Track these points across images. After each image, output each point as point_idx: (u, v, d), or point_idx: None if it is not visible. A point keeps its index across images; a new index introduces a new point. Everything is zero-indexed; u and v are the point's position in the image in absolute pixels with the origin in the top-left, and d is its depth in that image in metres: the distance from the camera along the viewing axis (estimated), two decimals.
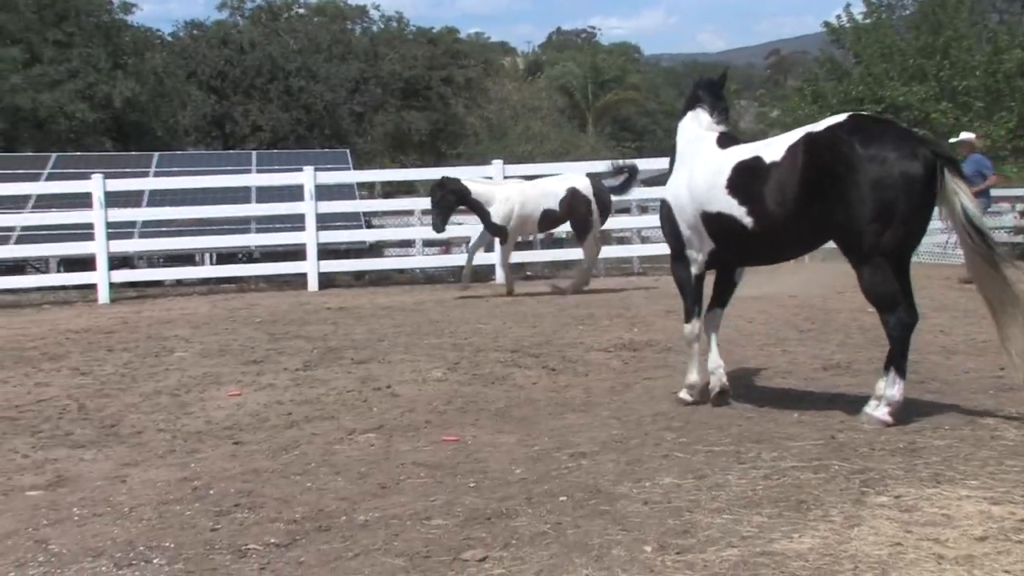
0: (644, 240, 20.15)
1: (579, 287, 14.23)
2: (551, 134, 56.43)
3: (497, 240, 14.61)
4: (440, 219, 13.73)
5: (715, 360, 6.83)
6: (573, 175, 14.64)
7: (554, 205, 13.89)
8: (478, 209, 13.88)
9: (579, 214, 13.95)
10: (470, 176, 14.38)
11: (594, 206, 13.94)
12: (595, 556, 4.05)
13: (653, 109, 74.88)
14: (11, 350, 10.31)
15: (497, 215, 13.70)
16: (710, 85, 7.05)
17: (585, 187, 13.97)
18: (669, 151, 7.22)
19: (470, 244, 14.66)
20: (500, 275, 15.26)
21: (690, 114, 6.96)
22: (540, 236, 25.47)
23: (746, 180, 6.23)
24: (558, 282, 15.13)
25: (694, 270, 6.78)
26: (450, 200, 13.72)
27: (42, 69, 32.75)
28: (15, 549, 4.57)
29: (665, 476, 5.12)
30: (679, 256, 6.85)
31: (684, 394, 6.92)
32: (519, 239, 15.21)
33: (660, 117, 74.10)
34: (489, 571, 3.99)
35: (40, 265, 22.14)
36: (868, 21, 33.75)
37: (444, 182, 13.73)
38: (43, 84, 32.29)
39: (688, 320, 6.90)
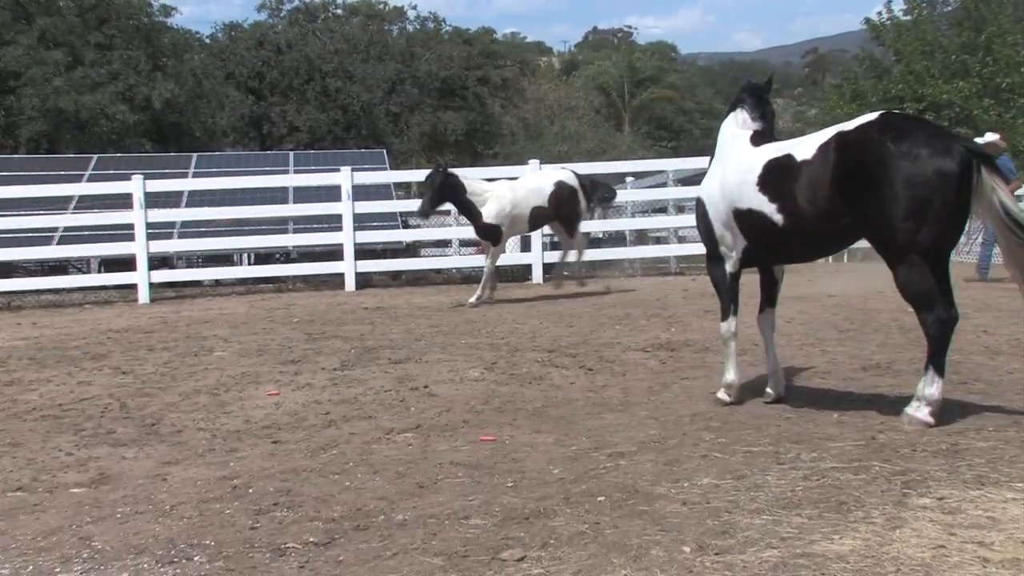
0: (681, 240, 20.04)
1: (582, 277, 14.40)
2: (587, 134, 56.43)
3: (489, 244, 13.61)
4: (429, 204, 13.08)
5: (773, 364, 6.83)
6: (557, 170, 14.40)
7: (543, 202, 13.44)
8: (470, 209, 13.25)
9: (568, 208, 13.60)
10: (472, 176, 14.03)
11: (581, 197, 13.66)
12: (633, 556, 4.03)
13: (690, 108, 74.66)
14: (54, 349, 10.43)
15: (490, 215, 13.15)
16: (755, 88, 7.04)
17: (570, 179, 13.69)
18: (709, 150, 7.22)
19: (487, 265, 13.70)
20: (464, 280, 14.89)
21: (731, 115, 6.95)
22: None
23: (777, 178, 6.21)
24: (557, 276, 14.67)
25: (729, 268, 6.76)
26: (444, 190, 13.06)
27: (84, 72, 33.12)
28: (60, 545, 4.62)
29: (703, 476, 5.09)
30: (714, 254, 6.84)
31: (722, 394, 6.89)
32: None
33: (696, 116, 73.93)
34: (527, 571, 3.98)
35: (82, 265, 22.42)
36: (909, 18, 33.41)
37: (444, 171, 13.24)
38: (85, 86, 32.65)
39: (724, 318, 6.88)
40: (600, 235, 24.80)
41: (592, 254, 20.85)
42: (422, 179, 13.95)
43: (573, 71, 77.12)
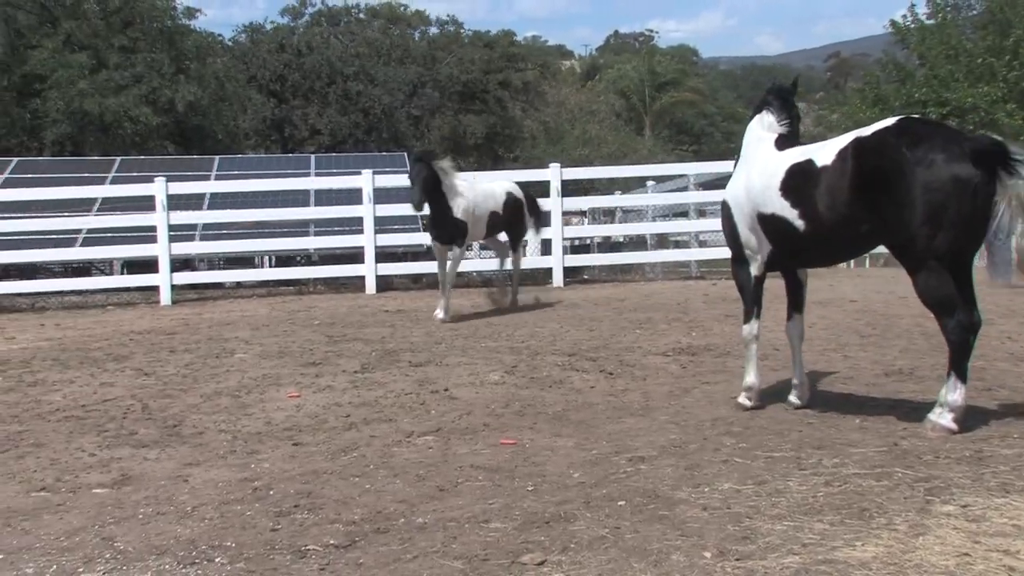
0: (702, 244, 19.99)
1: (516, 298, 13.27)
2: (608, 137, 56.42)
3: (449, 249, 12.28)
4: (420, 197, 11.66)
5: (800, 372, 6.81)
6: (505, 181, 13.79)
7: (499, 208, 12.71)
8: (442, 201, 11.90)
9: (516, 219, 13.06)
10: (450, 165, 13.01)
11: (526, 211, 13.17)
12: (654, 561, 4.02)
13: (711, 112, 74.56)
14: (77, 350, 10.50)
15: (459, 209, 12.01)
16: (780, 91, 7.02)
17: (518, 192, 13.16)
18: (733, 154, 7.21)
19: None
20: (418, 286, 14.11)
21: (756, 117, 6.94)
22: (598, 239, 25.54)
23: (798, 183, 6.21)
24: (496, 292, 13.94)
25: (754, 271, 6.75)
26: (430, 180, 11.69)
27: (108, 74, 33.35)
28: (83, 546, 4.65)
29: (724, 482, 5.07)
30: (739, 257, 6.84)
31: (743, 398, 6.87)
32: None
33: (718, 120, 73.81)
34: (548, 575, 3.98)
35: (104, 267, 22.55)
36: (933, 21, 33.22)
37: (426, 158, 11.96)
38: (109, 89, 32.88)
39: (747, 321, 6.87)
40: (621, 239, 24.83)
41: (613, 258, 20.89)
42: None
43: (594, 76, 77.05)
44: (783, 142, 6.66)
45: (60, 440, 6.77)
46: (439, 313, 11.97)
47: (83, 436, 6.85)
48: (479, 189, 12.68)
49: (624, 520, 4.56)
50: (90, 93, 32.25)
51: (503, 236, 13.38)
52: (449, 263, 12.26)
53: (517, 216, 13.03)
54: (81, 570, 4.34)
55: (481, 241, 13.04)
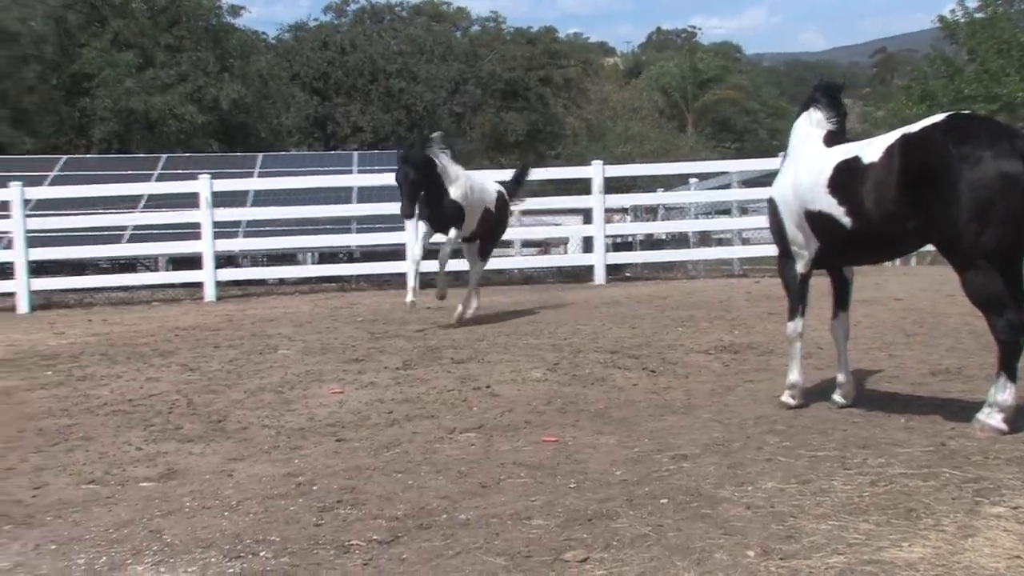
0: (745, 242, 19.88)
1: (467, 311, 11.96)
2: (650, 134, 56.21)
3: (448, 234, 11.39)
4: (409, 206, 10.79)
5: (846, 371, 6.76)
6: (492, 181, 12.82)
7: (492, 205, 11.91)
8: (437, 183, 11.00)
9: (500, 224, 12.37)
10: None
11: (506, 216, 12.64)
12: (696, 560, 4.01)
13: (754, 109, 73.98)
14: (124, 346, 10.63)
15: (457, 194, 11.15)
16: (828, 87, 6.96)
17: (505, 195, 12.34)
18: (777, 151, 7.17)
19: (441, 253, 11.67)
20: (408, 276, 12.06)
21: (804, 114, 6.88)
22: (640, 236, 25.45)
23: (845, 180, 6.16)
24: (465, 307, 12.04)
25: (800, 268, 6.70)
26: (418, 181, 10.75)
27: (154, 73, 33.74)
28: (131, 538, 4.70)
29: (768, 480, 5.04)
30: (785, 254, 6.79)
31: (786, 397, 6.82)
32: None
33: (761, 116, 73.28)
34: (590, 572, 3.97)
35: (150, 263, 22.82)
36: (984, 15, 32.77)
37: (412, 156, 10.81)
38: (155, 87, 33.26)
39: (792, 318, 6.82)
40: (663, 236, 24.75)
41: (655, 255, 20.83)
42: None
43: (638, 73, 76.78)
44: (831, 139, 6.60)
45: (108, 434, 6.86)
46: (409, 297, 11.27)
47: (130, 430, 6.94)
48: (475, 179, 11.95)
49: (667, 518, 4.54)
50: (136, 91, 32.66)
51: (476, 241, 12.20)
52: (444, 248, 11.49)
53: (501, 219, 12.38)
54: (130, 562, 4.40)
55: (458, 244, 11.76)
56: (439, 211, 11.12)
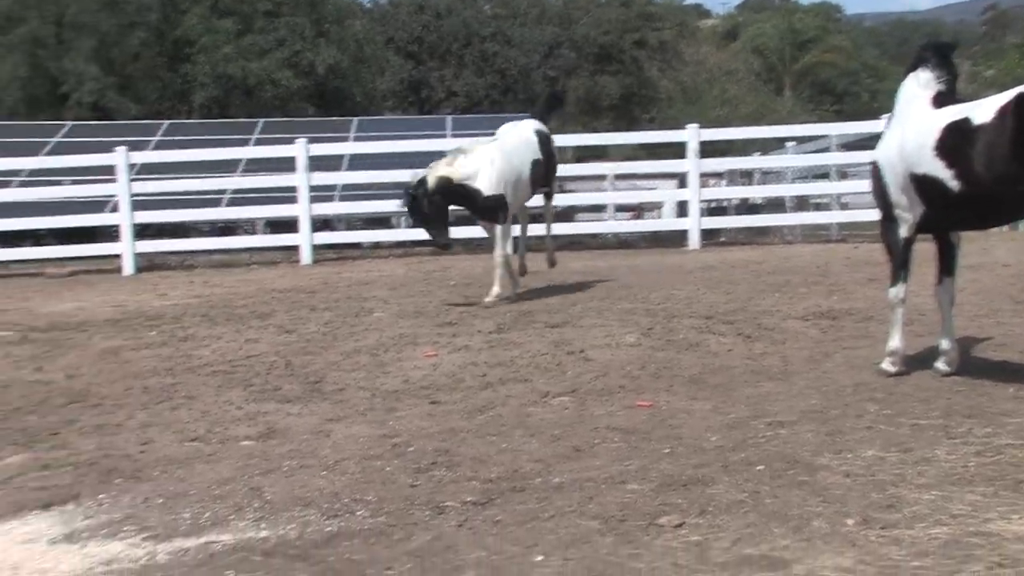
0: (843, 206, 19.46)
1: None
2: (746, 98, 55.28)
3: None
4: (438, 231, 10.37)
5: (949, 338, 6.58)
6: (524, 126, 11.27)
7: (538, 155, 10.79)
8: (463, 195, 10.33)
9: (550, 162, 11.15)
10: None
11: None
12: (794, 527, 3.96)
13: (855, 70, 72.04)
14: (224, 307, 10.87)
15: (488, 183, 10.25)
16: (938, 47, 6.73)
17: (542, 131, 11.12)
18: (878, 114, 6.98)
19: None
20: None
21: (912, 75, 6.66)
22: (735, 201, 25.15)
23: (954, 142, 5.96)
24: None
25: (903, 233, 6.52)
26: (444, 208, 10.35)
27: (252, 39, 34.20)
28: (232, 495, 4.83)
29: (867, 448, 4.96)
30: (889, 218, 6.61)
31: (886, 364, 6.67)
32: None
33: (863, 78, 71.38)
34: (686, 537, 3.96)
35: (248, 227, 23.24)
36: None
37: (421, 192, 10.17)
38: (253, 53, 33.73)
39: (893, 284, 6.65)
40: (759, 201, 24.36)
41: (750, 220, 20.52)
42: (574, 145, 10.97)
43: (734, 36, 75.37)
44: (940, 100, 6.37)
45: (210, 393, 7.03)
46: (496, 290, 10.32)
47: (231, 390, 7.10)
48: (507, 145, 10.63)
49: (763, 485, 4.50)
50: (234, 57, 33.16)
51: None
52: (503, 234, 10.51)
53: (550, 158, 11.15)
54: (232, 518, 4.51)
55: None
56: (481, 212, 10.43)
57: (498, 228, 10.44)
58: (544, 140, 11.01)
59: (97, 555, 4.14)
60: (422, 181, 10.20)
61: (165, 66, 35.08)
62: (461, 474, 4.98)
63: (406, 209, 10.72)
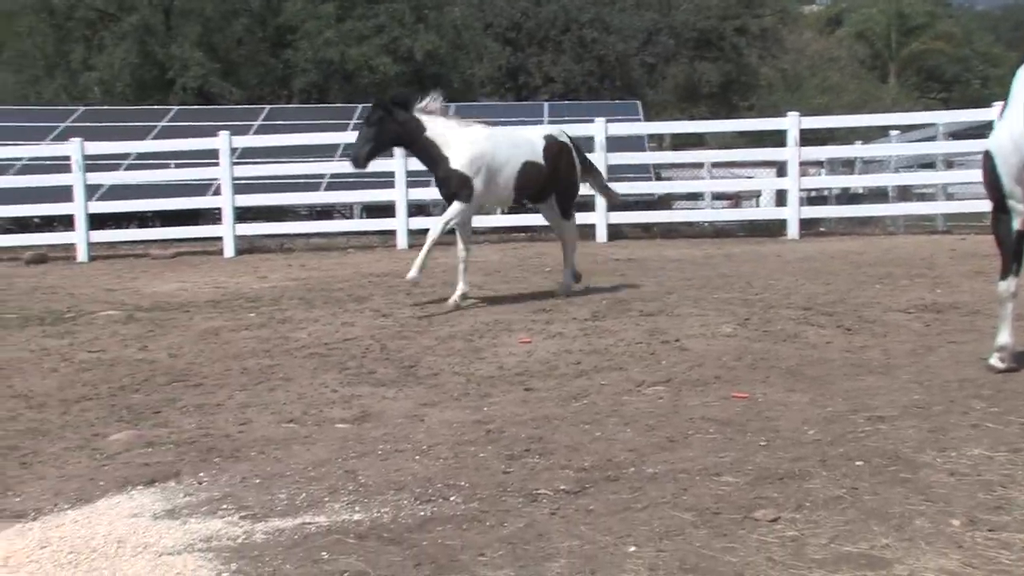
0: (950, 197, 18.92)
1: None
2: (849, 85, 54.13)
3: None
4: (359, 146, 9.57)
5: None
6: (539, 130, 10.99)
7: (537, 158, 10.00)
8: (428, 152, 9.72)
9: (556, 174, 10.18)
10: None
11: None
12: (895, 525, 3.86)
13: (965, 56, 69.84)
14: (321, 290, 11.02)
15: (460, 160, 9.63)
16: None
17: (557, 140, 10.35)
18: (988, 101, 6.74)
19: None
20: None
21: None
22: (835, 190, 24.64)
23: None
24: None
25: (1016, 225, 6.28)
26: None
27: (352, 24, 34.54)
28: (328, 477, 4.88)
29: (974, 447, 4.80)
30: (1000, 209, 6.37)
31: (995, 360, 6.45)
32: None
33: (974, 65, 69.17)
34: (781, 532, 3.88)
35: (346, 211, 23.53)
36: None
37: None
38: (352, 39, 34.07)
39: (1004, 277, 6.42)
40: (860, 191, 23.84)
41: (852, 210, 20.09)
42: (676, 131, 10.54)
43: (838, 22, 73.66)
44: None
45: (306, 375, 7.13)
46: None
47: (326, 373, 7.19)
48: (500, 136, 10.11)
49: (862, 481, 4.39)
50: (335, 42, 33.53)
51: None
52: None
53: (557, 170, 10.19)
54: (327, 499, 4.56)
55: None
56: (441, 182, 9.76)
57: (450, 209, 9.65)
58: (554, 149, 10.04)
59: (198, 531, 4.23)
60: (405, 104, 9.56)
61: (267, 52, 35.65)
62: (554, 462, 4.95)
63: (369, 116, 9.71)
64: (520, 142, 10.07)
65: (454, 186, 9.60)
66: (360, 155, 9.44)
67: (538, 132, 10.58)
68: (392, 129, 9.53)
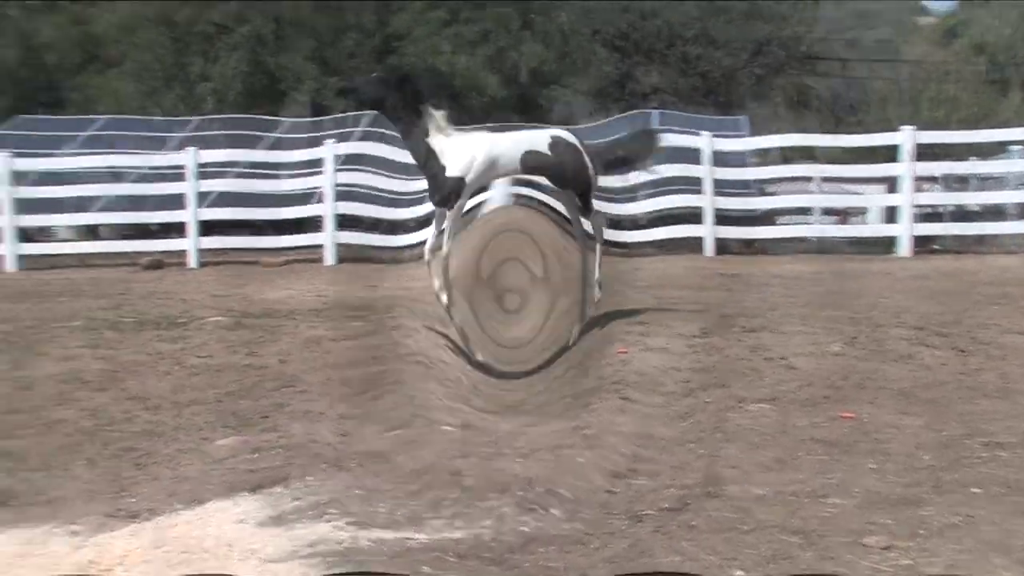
0: None
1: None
2: (966, 98, 52.68)
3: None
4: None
5: None
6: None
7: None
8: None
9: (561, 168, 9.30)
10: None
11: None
12: (1018, 559, 3.72)
13: None
14: (429, 302, 11.07)
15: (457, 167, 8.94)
16: None
17: (563, 140, 9.40)
18: None
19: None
20: None
21: None
22: (950, 207, 23.98)
23: None
24: None
25: None
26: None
27: (457, 29, 34.62)
28: (431, 484, 4.90)
29: None
30: None
31: None
32: None
33: None
34: (895, 561, 3.77)
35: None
36: None
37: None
38: (459, 44, 34.14)
39: None
40: (976, 208, 23.13)
41: (967, 228, 19.50)
42: (782, 146, 9.97)
43: (955, 34, 71.79)
44: None
45: (411, 383, 7.17)
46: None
47: (429, 381, 7.23)
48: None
49: (980, 509, 4.24)
50: (443, 48, 33.64)
51: None
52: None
53: (563, 165, 9.24)
54: (428, 514, 4.56)
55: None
56: (433, 188, 9.09)
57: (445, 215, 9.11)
58: (560, 146, 9.14)
59: (303, 537, 4.28)
60: (416, 96, 8.86)
61: (373, 59, 36.05)
62: (660, 483, 4.89)
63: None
64: (523, 140, 9.40)
65: (445, 191, 8.96)
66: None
67: (548, 132, 9.62)
68: (390, 98, 8.88)
